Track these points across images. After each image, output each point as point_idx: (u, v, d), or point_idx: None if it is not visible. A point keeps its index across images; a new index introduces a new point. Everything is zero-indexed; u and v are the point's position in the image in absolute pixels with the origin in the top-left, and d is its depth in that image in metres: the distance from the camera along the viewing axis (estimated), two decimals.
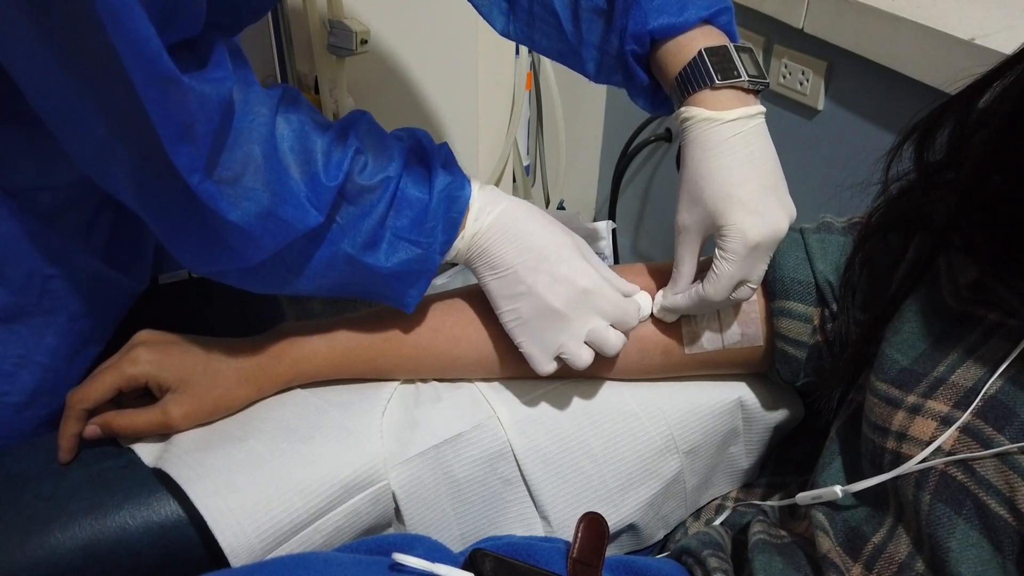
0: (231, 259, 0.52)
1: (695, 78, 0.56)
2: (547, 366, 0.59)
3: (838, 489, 0.53)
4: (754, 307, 0.63)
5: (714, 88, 0.56)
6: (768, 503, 0.63)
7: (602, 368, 0.64)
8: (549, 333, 0.58)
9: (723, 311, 0.63)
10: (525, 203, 0.59)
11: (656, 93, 0.64)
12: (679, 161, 0.59)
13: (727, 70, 0.56)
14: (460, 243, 0.57)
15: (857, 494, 0.53)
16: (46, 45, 0.43)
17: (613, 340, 0.59)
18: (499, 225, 0.57)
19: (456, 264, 0.60)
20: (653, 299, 0.63)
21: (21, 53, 0.45)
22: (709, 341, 0.63)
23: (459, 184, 0.56)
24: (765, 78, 0.58)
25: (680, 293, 0.60)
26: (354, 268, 0.55)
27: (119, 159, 0.48)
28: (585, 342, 0.59)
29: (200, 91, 0.45)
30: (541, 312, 0.58)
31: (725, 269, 0.56)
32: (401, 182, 0.54)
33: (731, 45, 0.57)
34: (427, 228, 0.55)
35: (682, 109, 0.57)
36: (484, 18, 0.70)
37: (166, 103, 0.44)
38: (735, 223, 0.55)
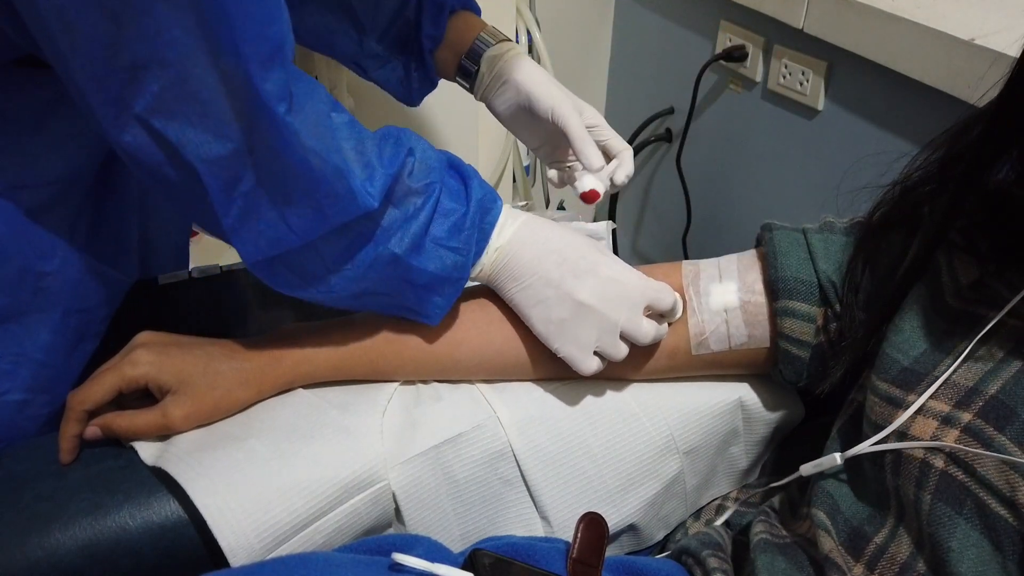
0: (284, 230, 0.50)
1: (496, 34, 0.73)
2: (589, 364, 0.60)
3: (838, 456, 0.54)
4: (762, 308, 0.62)
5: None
6: (772, 487, 0.63)
7: (609, 369, 0.64)
8: (582, 330, 0.59)
9: (730, 312, 0.63)
10: (540, 217, 0.62)
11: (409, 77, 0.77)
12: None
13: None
14: (485, 257, 0.59)
15: (859, 494, 0.53)
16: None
17: (646, 328, 0.59)
18: (519, 237, 0.59)
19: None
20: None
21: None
22: (716, 342, 0.63)
23: (492, 197, 0.59)
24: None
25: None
26: (396, 270, 0.55)
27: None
28: (621, 335, 0.59)
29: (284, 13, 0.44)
30: (571, 310, 0.58)
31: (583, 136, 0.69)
32: (440, 190, 0.56)
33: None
34: (464, 236, 0.57)
35: (502, 44, 0.72)
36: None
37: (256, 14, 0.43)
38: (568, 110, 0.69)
